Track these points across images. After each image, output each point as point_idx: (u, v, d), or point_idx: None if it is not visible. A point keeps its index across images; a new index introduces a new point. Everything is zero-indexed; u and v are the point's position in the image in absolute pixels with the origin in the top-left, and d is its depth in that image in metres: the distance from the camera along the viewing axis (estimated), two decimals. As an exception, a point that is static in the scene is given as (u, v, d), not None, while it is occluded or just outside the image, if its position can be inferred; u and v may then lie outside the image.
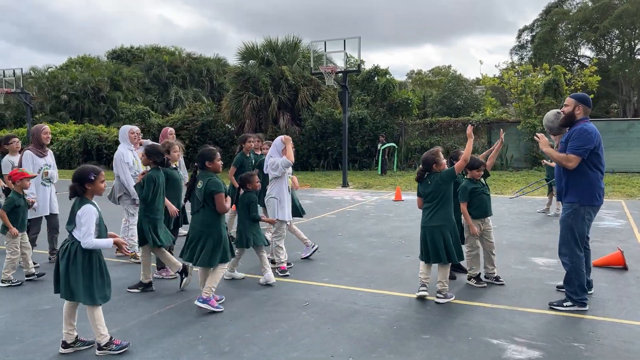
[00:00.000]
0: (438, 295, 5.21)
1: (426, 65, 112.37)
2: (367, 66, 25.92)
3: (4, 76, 23.86)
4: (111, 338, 4.06)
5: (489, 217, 5.84)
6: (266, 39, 26.36)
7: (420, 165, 5.33)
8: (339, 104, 25.06)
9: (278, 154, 6.39)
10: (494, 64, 29.31)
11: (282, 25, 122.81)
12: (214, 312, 4.92)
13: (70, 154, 29.16)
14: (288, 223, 6.63)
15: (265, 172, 6.54)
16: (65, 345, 4.07)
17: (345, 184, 17.30)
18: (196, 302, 4.96)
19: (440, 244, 5.11)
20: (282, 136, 6.48)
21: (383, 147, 21.36)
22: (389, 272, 6.39)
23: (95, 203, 4.08)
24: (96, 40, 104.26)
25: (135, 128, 8.06)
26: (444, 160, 5.28)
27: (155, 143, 6.83)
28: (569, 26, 38.52)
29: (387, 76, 24.91)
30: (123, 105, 31.96)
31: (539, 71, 22.78)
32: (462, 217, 5.79)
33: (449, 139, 23.48)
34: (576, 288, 4.94)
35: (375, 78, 24.96)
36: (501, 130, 5.93)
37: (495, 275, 5.85)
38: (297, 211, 7.29)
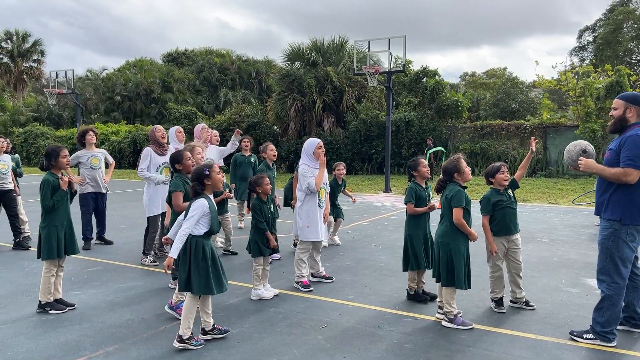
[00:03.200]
0: (438, 311, 4.91)
1: (481, 67, 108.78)
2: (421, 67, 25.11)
3: (56, 77, 24.64)
4: (214, 324, 4.35)
5: (516, 234, 5.14)
6: (312, 39, 26.05)
7: (441, 175, 4.90)
8: (385, 106, 24.41)
9: (308, 159, 5.82)
10: (550, 65, 27.87)
11: (337, 27, 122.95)
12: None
13: (121, 153, 29.78)
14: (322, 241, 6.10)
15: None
16: (204, 332, 4.32)
17: (387, 189, 16.64)
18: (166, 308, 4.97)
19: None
20: (313, 144, 5.86)
21: (430, 151, 20.53)
22: (422, 290, 5.78)
23: (211, 197, 4.25)
24: (157, 42, 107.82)
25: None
26: (468, 169, 4.80)
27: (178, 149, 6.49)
28: (635, 26, 36.29)
29: (436, 77, 24.04)
30: (171, 106, 32.47)
31: (600, 72, 21.35)
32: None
33: (501, 143, 22.37)
34: (605, 319, 4.22)
35: (424, 79, 24.15)
36: (532, 138, 5.28)
37: (525, 299, 5.18)
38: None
